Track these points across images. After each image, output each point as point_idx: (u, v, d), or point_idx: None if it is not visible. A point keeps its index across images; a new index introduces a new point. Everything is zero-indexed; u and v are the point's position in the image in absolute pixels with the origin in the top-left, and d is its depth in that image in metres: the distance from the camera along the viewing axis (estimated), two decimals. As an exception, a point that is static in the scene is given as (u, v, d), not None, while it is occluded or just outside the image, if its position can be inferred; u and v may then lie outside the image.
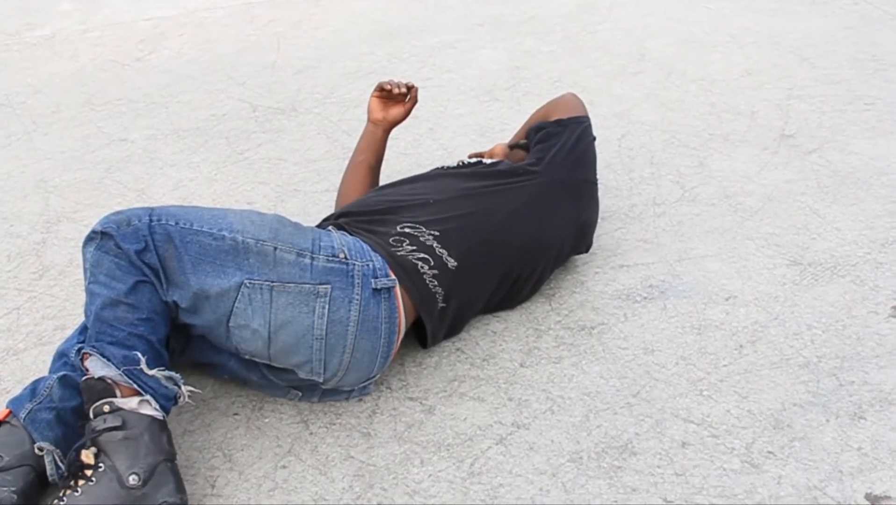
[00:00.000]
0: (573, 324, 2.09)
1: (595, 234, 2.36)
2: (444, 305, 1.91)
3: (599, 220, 2.42)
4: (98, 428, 1.57)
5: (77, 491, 1.54)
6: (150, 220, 1.68)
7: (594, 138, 2.25)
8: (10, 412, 1.68)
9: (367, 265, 1.78)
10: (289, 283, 1.70)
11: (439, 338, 1.99)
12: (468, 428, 1.81)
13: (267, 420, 1.85)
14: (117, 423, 1.56)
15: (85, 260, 1.70)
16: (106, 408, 1.58)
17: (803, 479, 1.67)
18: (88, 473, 1.56)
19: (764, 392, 1.87)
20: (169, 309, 1.69)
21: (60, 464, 1.64)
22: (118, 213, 1.71)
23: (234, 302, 1.68)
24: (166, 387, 1.65)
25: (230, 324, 1.69)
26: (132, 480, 1.54)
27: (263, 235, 1.72)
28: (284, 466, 1.74)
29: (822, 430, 1.78)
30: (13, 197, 2.71)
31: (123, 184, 2.74)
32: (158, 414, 1.62)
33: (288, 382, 1.85)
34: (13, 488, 1.59)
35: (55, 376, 1.72)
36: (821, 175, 2.63)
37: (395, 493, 1.68)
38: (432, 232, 1.90)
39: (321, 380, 1.78)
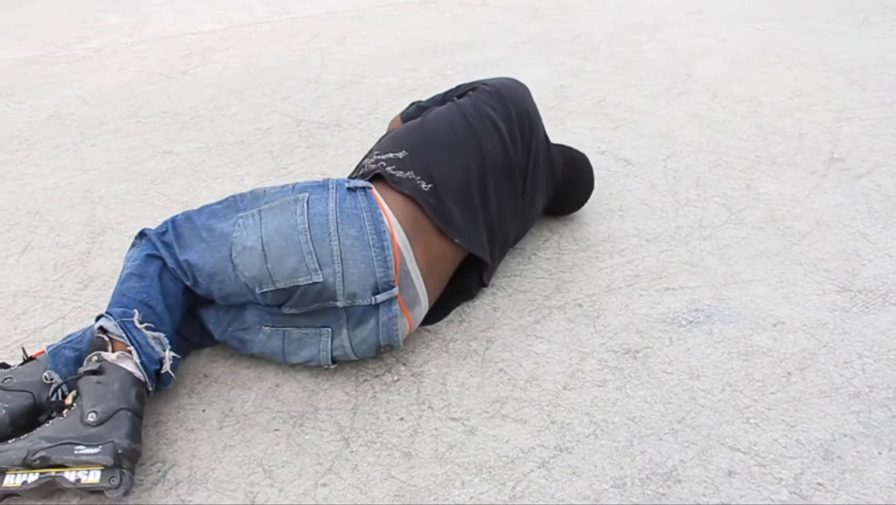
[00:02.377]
0: (617, 347, 2.06)
1: (640, 256, 2.34)
2: (429, 184, 2.02)
3: (645, 242, 2.40)
4: (80, 371, 1.76)
5: (48, 424, 1.71)
6: (176, 214, 1.99)
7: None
8: (44, 352, 1.88)
9: (342, 179, 1.97)
10: (273, 201, 1.90)
11: (457, 224, 2.05)
12: (510, 450, 1.79)
13: (308, 437, 1.84)
14: (95, 368, 1.74)
15: (125, 259, 1.98)
16: (94, 358, 1.76)
17: (855, 513, 1.63)
18: (64, 411, 1.72)
19: (813, 421, 1.83)
20: (181, 285, 1.93)
21: (61, 396, 1.80)
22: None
23: (232, 235, 1.88)
24: (151, 346, 1.82)
25: (233, 257, 1.87)
26: (90, 417, 1.68)
27: (258, 189, 1.99)
28: (325, 484, 1.73)
29: (874, 462, 1.73)
30: (60, 207, 2.74)
31: (168, 196, 2.76)
32: (137, 372, 1.78)
33: (312, 323, 1.93)
34: (5, 405, 1.76)
35: (88, 327, 1.92)
36: (871, 200, 2.58)
37: (436, 515, 1.67)
38: (384, 153, 2.12)
39: (321, 278, 1.83)
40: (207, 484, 1.73)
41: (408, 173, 2.02)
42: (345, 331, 1.92)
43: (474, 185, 2.09)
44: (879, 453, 1.75)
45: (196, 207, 2.03)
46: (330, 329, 1.92)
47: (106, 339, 1.79)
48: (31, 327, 2.21)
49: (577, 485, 1.71)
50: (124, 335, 1.80)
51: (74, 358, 1.85)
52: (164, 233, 1.95)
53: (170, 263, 1.92)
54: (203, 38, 4.06)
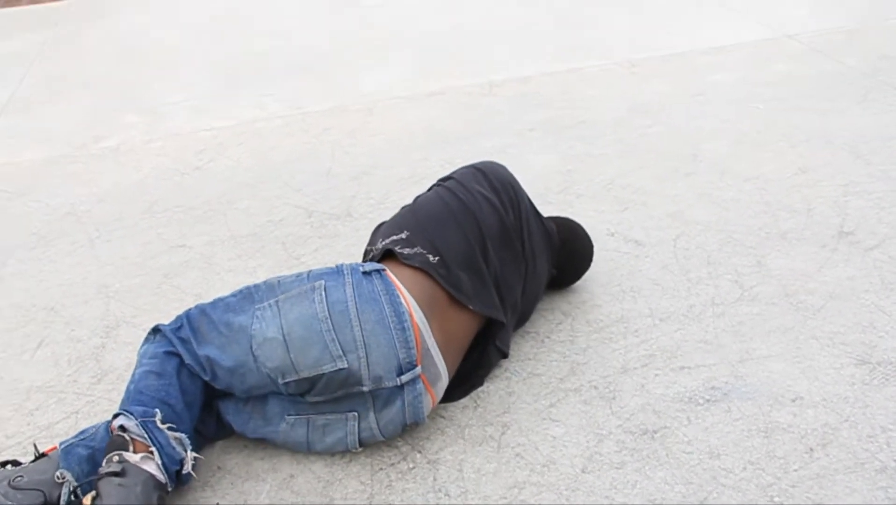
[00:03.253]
0: (635, 428, 2.04)
1: (654, 336, 2.33)
2: (436, 256, 2.06)
3: (658, 322, 2.40)
4: (101, 472, 1.72)
5: None
6: (190, 309, 2.00)
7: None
8: (56, 448, 1.87)
9: (356, 263, 1.99)
10: (289, 291, 1.91)
11: (468, 290, 2.08)
12: (529, 537, 1.75)
13: (323, 528, 1.81)
14: (117, 469, 1.70)
15: (138, 355, 1.98)
16: (115, 458, 1.73)
17: (887, 593, 1.58)
18: None
19: (840, 498, 1.79)
20: (199, 382, 1.94)
21: (74, 498, 1.78)
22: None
23: (251, 327, 1.88)
24: (173, 447, 1.80)
25: (254, 350, 1.87)
26: None
27: (272, 278, 2.00)
28: (340, 577, 1.69)
29: (904, 540, 1.69)
30: (75, 302, 2.76)
31: (181, 289, 2.78)
32: (159, 474, 1.76)
33: (337, 409, 1.92)
34: None
35: (102, 423, 1.92)
36: (884, 272, 2.57)
37: None
38: (387, 237, 2.17)
39: (346, 365, 1.84)
40: (221, 579, 1.70)
41: (415, 249, 2.08)
42: (371, 413, 1.92)
43: (477, 252, 2.12)
44: (909, 531, 1.70)
45: (209, 301, 2.04)
46: (356, 413, 1.92)
47: (127, 438, 1.77)
48: (44, 423, 2.21)
49: (599, 571, 1.67)
50: (146, 435, 1.78)
51: (87, 456, 1.83)
52: (179, 328, 1.96)
53: (188, 359, 1.92)
54: (216, 135, 4.14)
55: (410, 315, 1.91)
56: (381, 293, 1.90)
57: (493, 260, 2.16)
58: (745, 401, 2.10)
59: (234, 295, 1.99)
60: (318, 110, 4.30)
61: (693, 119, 3.85)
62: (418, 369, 1.91)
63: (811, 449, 1.93)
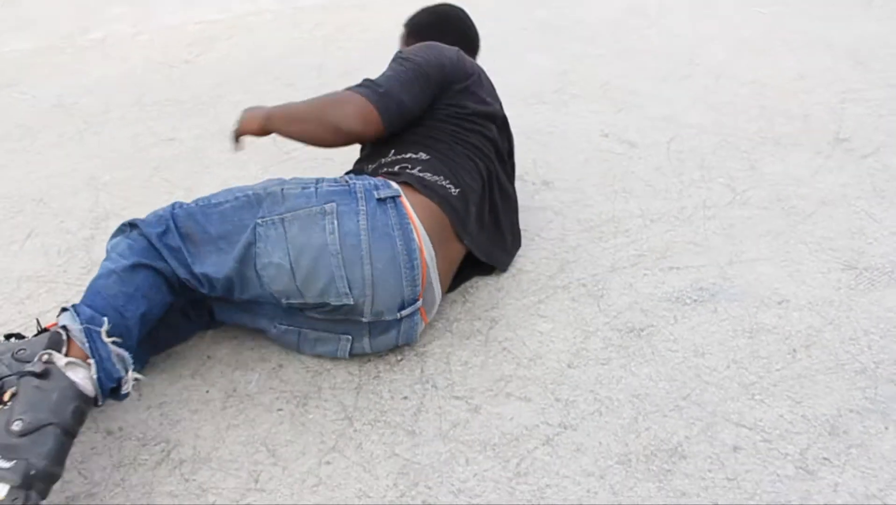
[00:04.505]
0: (621, 325, 2.06)
1: (644, 236, 2.34)
2: (457, 189, 2.00)
3: (649, 222, 2.40)
4: (24, 370, 1.58)
5: None
6: (173, 208, 1.83)
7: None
8: (55, 325, 1.73)
9: (368, 183, 1.85)
10: (297, 210, 1.78)
11: (471, 228, 2.05)
12: (514, 428, 1.78)
13: (311, 416, 1.84)
14: (39, 370, 1.54)
15: (107, 248, 1.82)
16: (44, 357, 1.57)
17: (861, 487, 1.62)
18: None
19: (819, 398, 1.82)
20: (169, 298, 1.80)
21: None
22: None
23: (255, 244, 1.77)
24: (113, 363, 1.62)
25: (258, 268, 1.78)
26: (15, 425, 1.48)
27: (272, 185, 1.84)
28: (328, 463, 1.73)
29: (880, 437, 1.72)
30: (64, 194, 2.74)
31: (171, 182, 2.76)
32: (87, 386, 1.58)
33: (332, 329, 1.91)
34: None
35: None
36: (876, 179, 2.56)
37: (440, 491, 1.66)
38: (402, 153, 2.08)
39: (352, 302, 1.80)
40: (211, 463, 1.73)
41: (437, 177, 1.98)
42: (366, 339, 1.92)
43: (486, 189, 2.12)
44: (886, 428, 1.74)
45: (193, 202, 1.86)
46: (350, 336, 1.92)
47: (63, 338, 1.60)
48: (35, 312, 2.21)
49: (581, 461, 1.71)
50: (86, 343, 1.61)
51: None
52: (164, 233, 1.78)
53: (182, 273, 1.77)
54: (206, 28, 4.05)
55: (421, 251, 1.85)
56: (394, 227, 1.81)
57: (497, 199, 2.17)
58: (731, 302, 2.12)
59: (227, 199, 1.83)
60: (309, 5, 4.21)
61: (692, 22, 3.78)
62: (419, 303, 1.90)
63: (794, 350, 1.96)
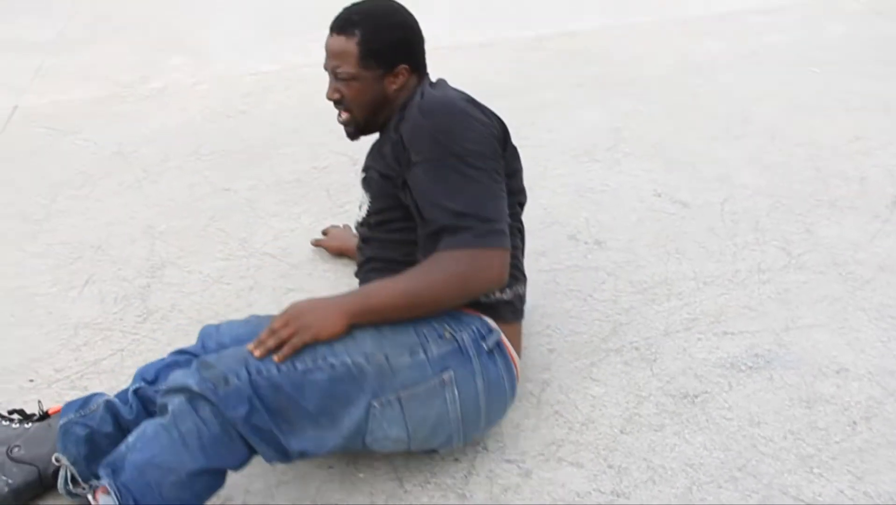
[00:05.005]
0: (675, 391, 2.03)
1: (698, 299, 2.32)
2: (525, 283, 1.93)
3: (702, 285, 2.38)
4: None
5: None
6: (250, 374, 1.57)
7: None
8: (59, 411, 1.79)
9: (471, 330, 1.72)
10: (414, 386, 1.64)
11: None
12: (566, 494, 1.76)
13: (362, 475, 1.83)
14: None
15: (167, 403, 1.58)
16: None
17: (925, 569, 1.57)
18: None
19: (881, 473, 1.77)
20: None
21: (70, 481, 1.65)
22: (208, 364, 1.58)
23: (367, 423, 1.63)
24: None
25: (367, 441, 1.66)
26: None
27: (368, 348, 1.63)
28: (378, 524, 1.72)
29: (945, 517, 1.67)
30: (122, 242, 2.79)
31: (226, 232, 2.80)
32: None
33: None
34: (10, 482, 1.72)
35: (104, 400, 1.78)
36: (937, 246, 2.52)
37: (491, 558, 1.65)
38: None
39: (459, 445, 1.79)
40: (261, 520, 1.74)
41: (517, 287, 1.86)
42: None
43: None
44: (950, 508, 1.69)
45: (273, 365, 1.59)
46: None
47: None
48: (91, 359, 2.25)
49: (634, 531, 1.68)
50: None
51: (85, 437, 1.72)
52: (249, 414, 1.54)
53: (269, 456, 1.60)
54: (262, 79, 4.14)
55: (517, 377, 1.83)
56: (503, 375, 1.75)
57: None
58: (788, 370, 2.08)
59: (317, 366, 1.60)
60: (364, 58, 4.27)
61: (744, 80, 3.77)
62: None
63: (854, 422, 1.91)
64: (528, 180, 2.81)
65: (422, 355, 1.65)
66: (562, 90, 3.77)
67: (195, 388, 1.54)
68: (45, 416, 1.86)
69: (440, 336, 1.68)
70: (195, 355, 1.82)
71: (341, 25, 1.82)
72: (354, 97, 1.85)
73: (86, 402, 1.79)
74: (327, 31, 1.86)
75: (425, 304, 1.67)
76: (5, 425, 1.84)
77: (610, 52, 4.21)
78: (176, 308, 2.43)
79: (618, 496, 1.75)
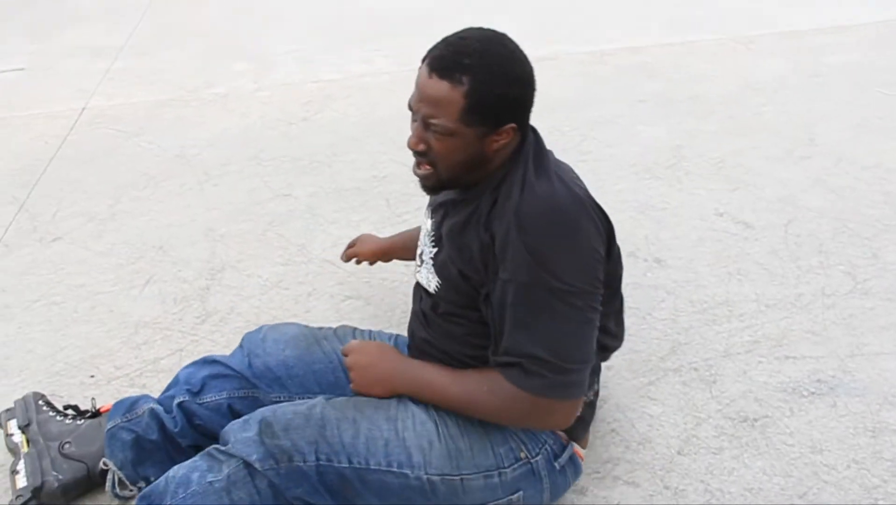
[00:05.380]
0: (734, 414, 1.99)
1: (759, 322, 2.28)
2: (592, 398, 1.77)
3: (764, 308, 2.34)
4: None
5: None
6: (318, 460, 1.50)
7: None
8: (109, 409, 1.82)
9: (546, 450, 1.63)
10: (481, 502, 1.57)
11: None
12: (622, 514, 1.74)
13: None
14: None
15: (223, 464, 1.51)
16: None
17: None
18: None
19: (949, 508, 1.72)
20: None
21: (118, 485, 1.73)
22: (273, 432, 1.51)
23: None
24: None
25: None
26: None
27: (447, 468, 1.54)
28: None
29: None
30: (182, 243, 2.83)
31: (286, 238, 2.83)
32: None
33: None
34: (60, 477, 1.75)
35: (149, 406, 1.79)
36: None
37: (544, 575, 1.62)
38: None
39: None
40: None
41: (593, 386, 1.75)
42: None
43: None
44: None
45: (330, 437, 1.53)
46: None
47: None
48: (150, 357, 2.28)
49: (691, 555, 1.65)
50: None
51: (131, 441, 1.75)
52: (310, 493, 1.51)
53: None
54: (324, 87, 4.18)
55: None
56: (570, 481, 1.70)
57: None
58: (852, 397, 2.03)
59: (388, 467, 1.52)
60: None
61: (809, 100, 3.71)
62: None
63: (921, 453, 1.86)
64: (588, 195, 2.75)
65: (496, 479, 1.57)
66: (624, 106, 3.75)
67: (258, 466, 1.48)
68: (97, 413, 1.90)
69: (516, 459, 1.59)
70: (240, 374, 1.78)
71: (447, 67, 1.44)
72: (446, 154, 1.51)
73: (132, 405, 1.80)
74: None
75: (476, 416, 1.56)
76: (59, 420, 1.88)
77: (673, 69, 4.17)
78: (234, 311, 2.46)
79: (674, 518, 1.73)
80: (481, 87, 1.42)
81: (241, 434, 1.52)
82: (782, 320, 2.30)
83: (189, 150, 3.55)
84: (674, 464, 1.86)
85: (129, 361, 2.28)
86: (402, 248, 2.20)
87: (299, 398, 1.75)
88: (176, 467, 1.54)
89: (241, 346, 1.87)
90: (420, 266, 1.71)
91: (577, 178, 1.59)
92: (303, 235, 2.84)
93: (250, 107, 4.00)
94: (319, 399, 1.60)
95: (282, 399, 1.76)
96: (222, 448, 1.53)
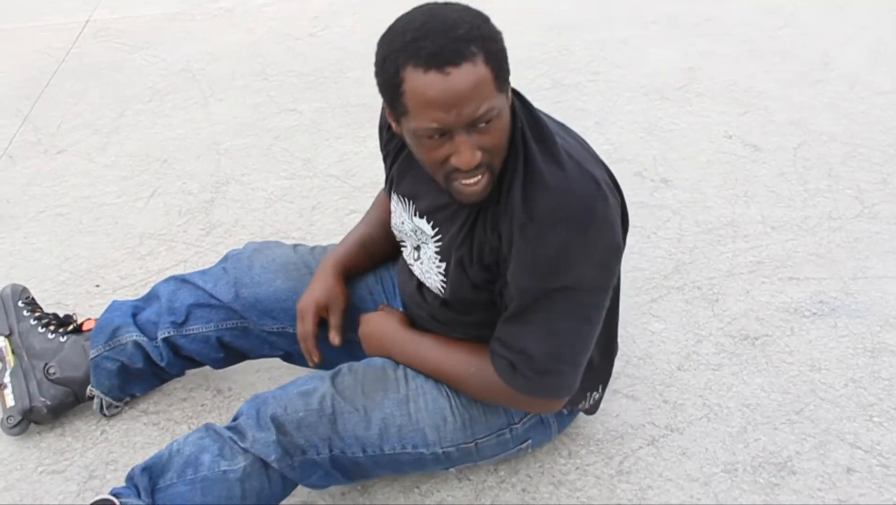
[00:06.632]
0: (735, 332, 2.00)
1: (764, 243, 2.27)
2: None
3: (770, 229, 2.33)
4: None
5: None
6: (332, 452, 1.51)
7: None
8: (94, 326, 1.83)
9: (557, 415, 1.65)
10: (493, 456, 1.62)
11: None
12: (620, 425, 1.76)
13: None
14: None
15: (239, 454, 1.48)
16: None
17: (984, 523, 1.54)
18: None
19: (944, 426, 1.74)
20: None
21: (105, 407, 1.83)
22: (285, 430, 1.49)
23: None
24: None
25: None
26: None
27: (461, 439, 1.55)
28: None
29: None
30: (187, 157, 2.82)
31: (291, 152, 2.81)
32: None
33: None
34: (48, 403, 1.79)
35: (132, 338, 1.77)
36: None
37: (540, 481, 1.65)
38: None
39: None
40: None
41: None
42: None
43: None
44: None
45: (343, 430, 1.50)
46: None
47: None
48: (155, 268, 2.29)
49: (686, 466, 1.67)
50: None
51: (116, 370, 1.78)
52: (325, 479, 1.55)
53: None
54: (331, 2, 4.10)
55: None
56: (577, 415, 1.74)
57: None
58: (853, 318, 2.03)
59: (404, 449, 1.53)
60: (434, -14, 4.21)
61: (827, 23, 3.63)
62: None
63: (919, 373, 1.87)
64: (596, 115, 2.76)
65: (507, 435, 1.59)
66: (636, 26, 3.67)
67: (275, 466, 1.48)
68: (78, 329, 1.86)
69: (526, 413, 1.59)
70: (227, 305, 1.73)
71: (455, 50, 1.22)
72: (500, 141, 1.30)
73: (113, 333, 1.78)
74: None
75: (465, 394, 1.55)
76: (41, 333, 1.84)
77: (687, -9, 4.08)
78: (239, 223, 2.46)
79: (671, 431, 1.75)
80: (489, 46, 1.24)
81: (258, 434, 1.48)
82: (787, 242, 2.29)
83: (194, 64, 3.51)
84: (673, 379, 1.88)
85: (133, 270, 2.29)
86: (364, 262, 1.80)
87: (291, 329, 1.73)
88: (180, 441, 1.51)
89: (224, 269, 1.77)
90: (416, 262, 1.59)
91: (585, 144, 1.44)
92: (308, 150, 2.82)
93: (257, 21, 3.93)
94: (326, 385, 1.53)
95: (274, 330, 1.74)
96: (237, 441, 1.48)
